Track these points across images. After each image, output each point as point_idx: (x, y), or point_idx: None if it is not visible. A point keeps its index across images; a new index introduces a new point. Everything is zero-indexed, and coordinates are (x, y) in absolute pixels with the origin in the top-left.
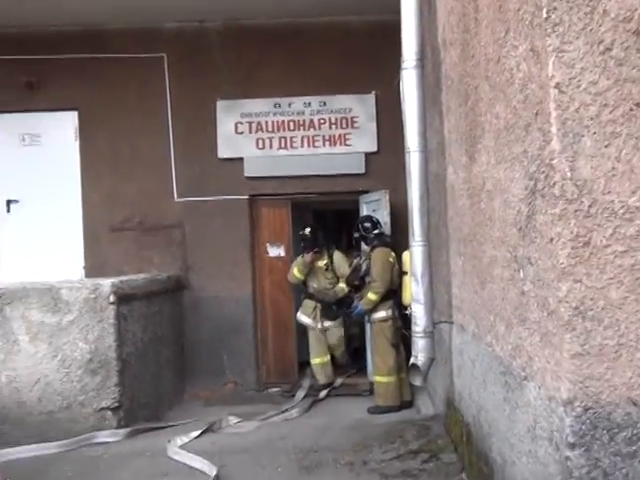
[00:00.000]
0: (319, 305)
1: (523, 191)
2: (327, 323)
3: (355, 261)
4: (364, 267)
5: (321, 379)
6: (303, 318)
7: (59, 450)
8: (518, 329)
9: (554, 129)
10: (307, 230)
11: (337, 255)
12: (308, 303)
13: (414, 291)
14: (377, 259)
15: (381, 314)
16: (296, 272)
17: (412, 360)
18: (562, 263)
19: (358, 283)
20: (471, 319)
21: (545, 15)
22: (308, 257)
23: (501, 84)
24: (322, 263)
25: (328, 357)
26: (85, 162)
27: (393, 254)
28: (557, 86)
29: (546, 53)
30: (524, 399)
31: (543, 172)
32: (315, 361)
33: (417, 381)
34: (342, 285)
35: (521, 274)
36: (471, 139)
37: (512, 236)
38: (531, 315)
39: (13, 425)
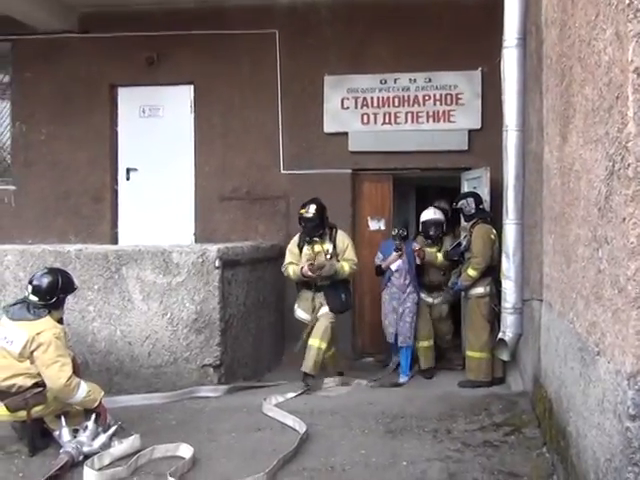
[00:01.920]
0: (319, 295)
1: (603, 172)
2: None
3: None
4: (464, 243)
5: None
6: (300, 314)
7: (165, 401)
8: (594, 306)
9: (631, 112)
10: (311, 208)
11: (340, 236)
12: (305, 295)
13: (505, 268)
14: (478, 235)
15: (479, 290)
16: (291, 273)
17: (500, 335)
18: (632, 242)
19: (457, 259)
20: (557, 297)
21: (628, 1)
22: (305, 270)
23: (591, 66)
24: (323, 248)
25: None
26: (199, 134)
27: (494, 231)
28: (635, 71)
29: (627, 38)
30: (596, 374)
31: (620, 154)
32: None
33: (504, 356)
34: (343, 263)
35: (599, 253)
36: (564, 119)
37: (593, 216)
38: (605, 293)
39: (126, 376)
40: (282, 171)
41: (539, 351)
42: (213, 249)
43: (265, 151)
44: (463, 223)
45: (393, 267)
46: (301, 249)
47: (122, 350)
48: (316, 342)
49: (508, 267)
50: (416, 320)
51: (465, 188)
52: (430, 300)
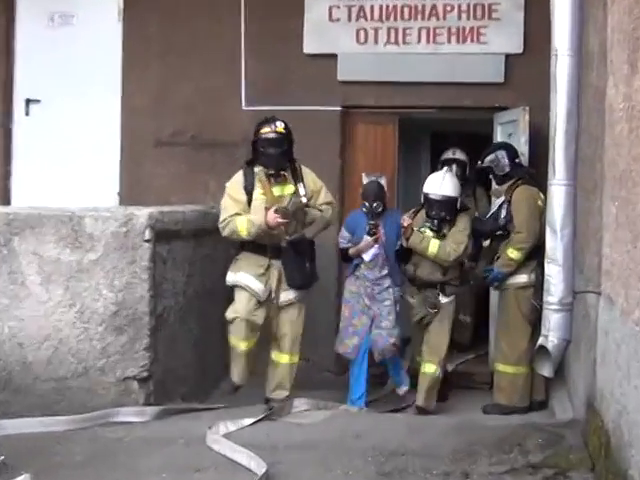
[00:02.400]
0: (277, 264)
1: None
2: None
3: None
4: (503, 213)
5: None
6: (248, 280)
7: (69, 427)
8: None
9: None
10: (278, 125)
11: (309, 175)
12: (256, 260)
13: (550, 247)
14: (521, 201)
15: (521, 278)
16: (240, 229)
17: (540, 341)
18: None
19: (501, 233)
20: (620, 288)
21: None
22: (271, 217)
23: None
24: (292, 189)
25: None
26: (129, 52)
27: (542, 195)
28: None
29: None
30: None
31: None
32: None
33: (545, 370)
34: (324, 207)
35: None
36: (634, 41)
37: None
38: None
39: (14, 392)
40: (244, 107)
41: (594, 364)
42: (142, 214)
43: (221, 78)
44: (494, 187)
45: (366, 257)
46: (250, 193)
47: (10, 355)
48: (285, 357)
49: (554, 246)
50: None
51: (498, 136)
52: (413, 300)
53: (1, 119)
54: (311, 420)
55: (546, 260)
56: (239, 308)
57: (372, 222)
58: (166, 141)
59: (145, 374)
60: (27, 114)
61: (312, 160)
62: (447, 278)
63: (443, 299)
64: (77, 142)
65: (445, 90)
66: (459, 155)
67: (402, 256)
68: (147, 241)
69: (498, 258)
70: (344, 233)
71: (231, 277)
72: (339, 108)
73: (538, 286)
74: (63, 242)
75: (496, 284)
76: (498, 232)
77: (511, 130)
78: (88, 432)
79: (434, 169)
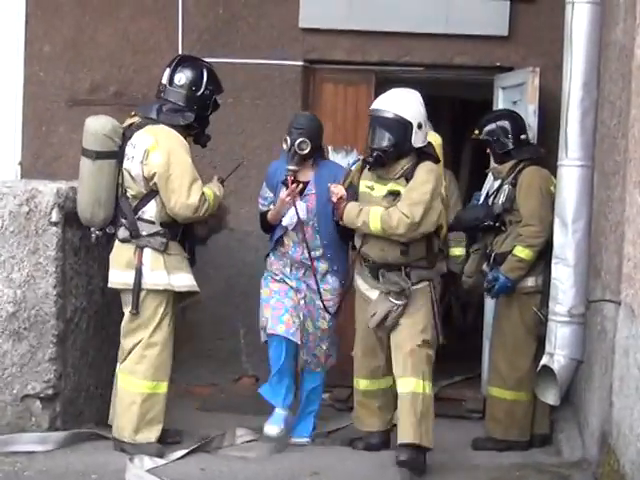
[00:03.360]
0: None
1: None
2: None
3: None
4: (501, 198)
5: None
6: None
7: None
8: None
9: None
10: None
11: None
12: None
13: (559, 244)
14: (531, 186)
15: (526, 282)
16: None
17: (544, 361)
18: None
19: (492, 224)
20: None
21: None
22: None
23: None
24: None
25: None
26: None
27: (554, 179)
28: None
29: None
30: None
31: None
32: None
33: (550, 397)
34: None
35: None
36: None
37: None
38: None
39: None
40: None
41: (610, 390)
42: (48, 190)
43: (151, 20)
44: (493, 164)
45: (283, 221)
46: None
47: None
48: None
49: (564, 243)
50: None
51: (500, 103)
52: (371, 294)
53: None
54: (257, 453)
55: (554, 260)
56: None
57: (291, 167)
58: (82, 99)
59: (50, 391)
60: None
61: (266, 126)
62: (409, 259)
63: (414, 287)
64: None
65: (435, 43)
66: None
67: (341, 230)
68: (54, 224)
69: (493, 260)
70: (264, 191)
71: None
72: (300, 63)
73: (545, 292)
74: None
75: (506, 292)
76: (487, 222)
77: (517, 96)
78: None
79: None
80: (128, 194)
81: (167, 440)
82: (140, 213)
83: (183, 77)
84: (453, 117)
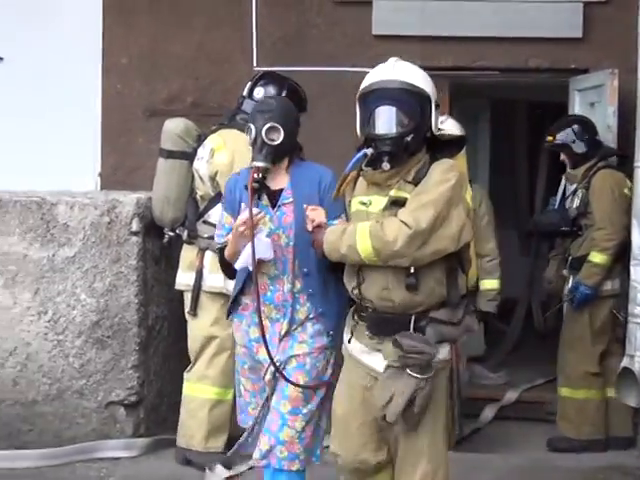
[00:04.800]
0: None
1: None
2: None
3: None
4: (575, 202)
5: None
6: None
7: (41, 463)
8: None
9: None
10: None
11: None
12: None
13: (637, 245)
14: (603, 189)
15: (603, 287)
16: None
17: (624, 362)
18: None
19: (568, 229)
20: None
21: None
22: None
23: None
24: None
25: None
26: (111, 1)
27: (629, 183)
28: None
29: None
30: None
31: None
32: None
33: (631, 399)
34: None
35: None
36: None
37: None
38: None
39: None
40: (255, 67)
41: None
42: (129, 201)
43: (226, 31)
44: (568, 171)
45: (237, 263)
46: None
47: None
48: None
49: None
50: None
51: (576, 106)
52: (373, 362)
53: None
54: None
55: (632, 261)
56: None
57: (258, 164)
58: (159, 109)
59: (133, 398)
60: None
61: (340, 133)
62: (421, 301)
63: (440, 354)
64: (47, 109)
65: (508, 47)
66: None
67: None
68: (134, 234)
69: (570, 265)
70: (222, 216)
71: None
72: None
73: (624, 295)
74: (31, 235)
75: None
76: (562, 228)
77: (594, 98)
78: (64, 470)
79: (495, 146)
80: (197, 195)
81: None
82: (206, 216)
83: (262, 91)
84: (529, 121)
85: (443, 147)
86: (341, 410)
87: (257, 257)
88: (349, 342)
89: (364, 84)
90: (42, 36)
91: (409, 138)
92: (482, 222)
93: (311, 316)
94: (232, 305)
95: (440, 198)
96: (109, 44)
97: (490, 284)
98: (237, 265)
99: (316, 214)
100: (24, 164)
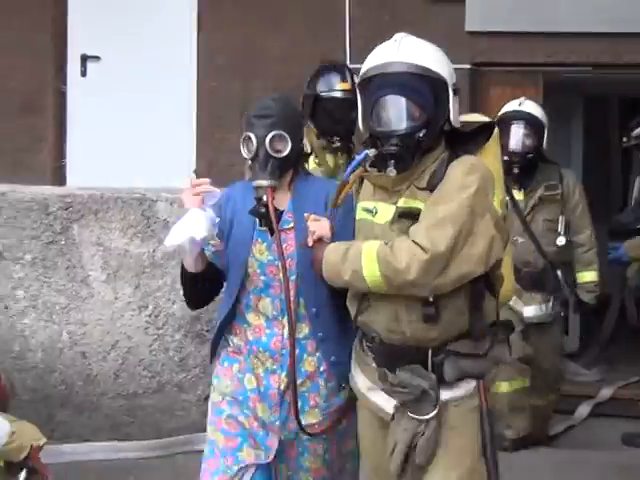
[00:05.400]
0: None
1: None
2: None
3: None
4: None
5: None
6: None
7: (143, 454)
8: None
9: None
10: None
11: None
12: None
13: None
14: None
15: None
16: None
17: None
18: None
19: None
20: None
21: None
22: None
23: None
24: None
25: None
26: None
27: None
28: None
29: None
30: None
31: None
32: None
33: None
34: None
35: None
36: None
37: None
38: None
39: (76, 410)
40: (349, 64)
41: None
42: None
43: (320, 30)
44: None
45: (167, 239)
46: None
47: (70, 367)
48: None
49: None
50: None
51: None
52: (381, 400)
53: (52, 80)
54: None
55: None
56: None
57: (265, 183)
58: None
59: None
60: (83, 74)
61: None
62: (439, 334)
63: (449, 392)
64: (144, 108)
65: (602, 42)
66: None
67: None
68: None
69: None
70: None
71: None
72: (467, 66)
73: None
74: (132, 230)
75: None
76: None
77: None
78: (166, 461)
79: (589, 143)
80: None
81: None
82: None
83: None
84: (623, 117)
85: (467, 141)
86: (371, 461)
87: (189, 235)
88: (355, 376)
89: (364, 68)
90: (138, 35)
91: (421, 134)
92: (576, 211)
93: (322, 369)
94: (217, 340)
95: (461, 210)
96: (204, 42)
97: (589, 276)
98: (166, 241)
99: (318, 225)
100: (123, 161)
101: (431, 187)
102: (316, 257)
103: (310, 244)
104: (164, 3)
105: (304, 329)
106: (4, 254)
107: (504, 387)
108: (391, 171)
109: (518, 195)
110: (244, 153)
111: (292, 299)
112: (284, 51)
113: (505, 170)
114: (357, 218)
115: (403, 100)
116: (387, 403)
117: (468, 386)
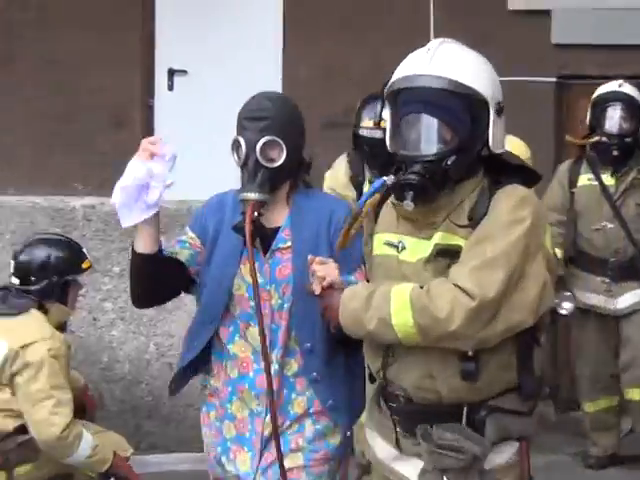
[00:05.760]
0: None
1: None
2: None
3: None
4: None
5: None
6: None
7: None
8: None
9: None
10: None
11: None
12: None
13: None
14: None
15: None
16: None
17: None
18: None
19: None
20: None
21: None
22: None
23: None
24: None
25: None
26: (292, 13)
27: None
28: None
29: None
30: None
31: None
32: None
33: None
34: None
35: None
36: None
37: None
38: None
39: (163, 422)
40: None
41: None
42: None
43: (403, 43)
44: None
45: (114, 195)
46: None
47: (158, 378)
48: None
49: None
50: None
51: None
52: (403, 468)
53: (140, 94)
54: None
55: None
56: None
57: (251, 196)
58: (337, 121)
59: None
60: (171, 88)
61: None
62: (480, 392)
63: (491, 456)
64: (231, 121)
65: None
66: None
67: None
68: None
69: None
70: (186, 230)
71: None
72: (554, 79)
73: None
74: None
75: None
76: None
77: None
78: None
79: None
80: None
81: None
82: None
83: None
84: None
85: (507, 168)
86: None
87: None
88: (372, 444)
89: (392, 78)
90: (224, 49)
91: (449, 161)
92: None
93: (312, 410)
94: (182, 376)
95: (512, 249)
96: (289, 56)
97: None
98: (113, 197)
99: (327, 270)
100: (211, 174)
101: (474, 223)
102: (329, 305)
103: (318, 292)
104: (250, 18)
105: (293, 366)
106: (94, 266)
107: (588, 407)
108: (408, 204)
109: (608, 180)
110: (234, 160)
111: (283, 330)
112: (367, 66)
113: (600, 151)
114: (376, 253)
115: (431, 120)
116: (413, 470)
117: (511, 449)
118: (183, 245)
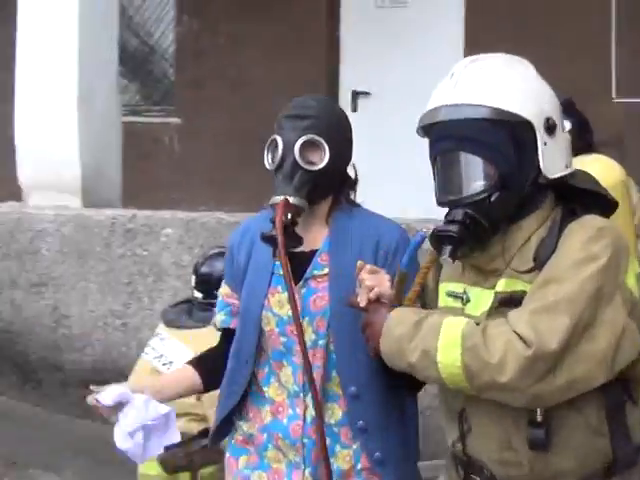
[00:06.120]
0: None
1: None
2: None
3: None
4: None
5: None
6: None
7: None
8: None
9: None
10: None
11: None
12: None
13: None
14: None
15: None
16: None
17: None
18: None
19: None
20: None
21: None
22: None
23: None
24: None
25: None
26: (472, 35)
27: None
28: None
29: None
30: None
31: None
32: None
33: None
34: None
35: None
36: None
37: None
38: None
39: None
40: (614, 99)
41: None
42: None
43: (585, 62)
44: None
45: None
46: None
47: None
48: None
49: None
50: None
51: None
52: None
53: None
54: None
55: None
56: None
57: (289, 199)
58: None
59: None
60: (354, 109)
61: None
62: (567, 467)
63: None
64: (416, 142)
65: None
66: None
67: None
68: None
69: None
70: (223, 289)
71: None
72: None
73: None
74: None
75: None
76: None
77: None
78: None
79: None
80: None
81: None
82: None
83: (568, 124)
84: None
85: (588, 198)
86: None
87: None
88: None
89: (435, 103)
90: (407, 71)
91: (493, 197)
92: None
93: (360, 466)
94: (223, 427)
95: (581, 292)
96: None
97: None
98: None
99: (377, 280)
100: (396, 194)
101: (539, 263)
102: (372, 322)
103: (363, 304)
104: (433, 41)
105: (336, 412)
106: None
107: None
108: (445, 260)
109: None
110: (267, 163)
111: (320, 371)
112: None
113: None
114: (440, 305)
115: (462, 156)
116: None
117: None
118: (220, 309)
